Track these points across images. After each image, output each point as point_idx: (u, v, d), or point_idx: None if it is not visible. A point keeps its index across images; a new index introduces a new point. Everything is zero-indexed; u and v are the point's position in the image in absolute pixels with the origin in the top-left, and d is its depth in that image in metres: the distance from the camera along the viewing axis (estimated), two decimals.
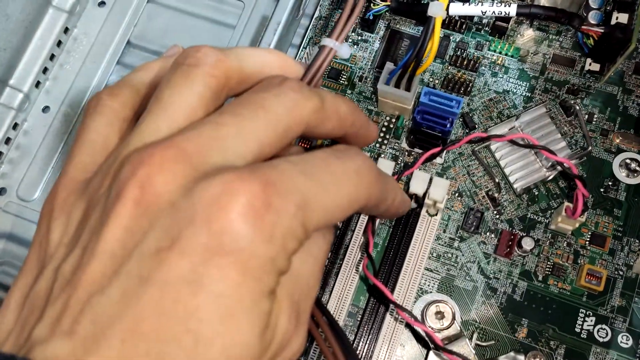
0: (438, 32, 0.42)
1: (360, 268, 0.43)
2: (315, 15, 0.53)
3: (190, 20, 0.56)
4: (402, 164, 0.48)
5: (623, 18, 0.44)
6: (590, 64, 0.48)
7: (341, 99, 0.29)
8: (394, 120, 0.49)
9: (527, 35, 0.51)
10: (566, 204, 0.44)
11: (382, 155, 0.49)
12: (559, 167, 0.45)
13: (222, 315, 0.20)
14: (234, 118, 0.24)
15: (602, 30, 0.45)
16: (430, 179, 0.43)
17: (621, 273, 0.44)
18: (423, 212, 0.45)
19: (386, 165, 0.44)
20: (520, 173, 0.46)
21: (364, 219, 0.45)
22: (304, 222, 0.22)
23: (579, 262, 0.45)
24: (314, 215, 0.23)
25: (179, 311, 0.20)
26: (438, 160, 0.48)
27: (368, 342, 0.42)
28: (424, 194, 0.44)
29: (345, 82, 0.51)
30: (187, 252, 0.20)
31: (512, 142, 0.44)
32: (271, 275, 0.22)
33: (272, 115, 0.25)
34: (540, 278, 0.45)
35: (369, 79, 0.51)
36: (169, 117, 0.25)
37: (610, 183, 0.46)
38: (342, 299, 0.43)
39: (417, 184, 0.44)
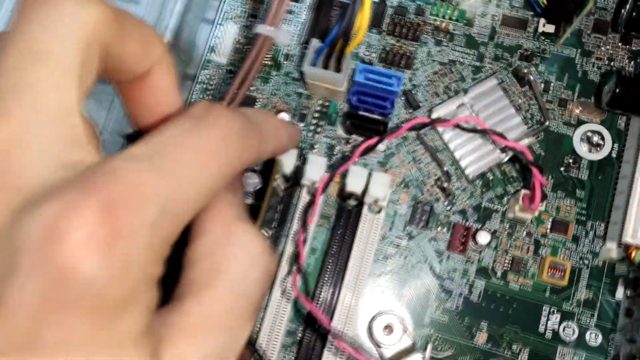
0: (368, 4, 0.36)
1: (290, 285, 0.37)
2: None
3: None
4: (340, 155, 0.42)
5: None
6: (544, 25, 0.43)
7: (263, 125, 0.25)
8: (327, 103, 0.43)
9: None
10: (523, 191, 0.39)
11: (316, 146, 0.42)
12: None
13: None
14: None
15: None
16: (369, 174, 0.38)
17: (586, 262, 0.40)
18: (365, 210, 0.40)
19: (318, 162, 0.38)
20: (471, 157, 0.41)
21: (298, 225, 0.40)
22: (167, 233, 0.19)
23: (540, 253, 0.40)
24: (178, 218, 0.19)
25: None
26: (380, 147, 0.42)
27: None
28: (364, 192, 0.38)
29: (270, 62, 0.44)
30: (18, 312, 0.16)
31: (459, 126, 0.38)
32: (135, 312, 0.18)
33: None
34: (498, 274, 0.40)
35: (296, 57, 0.44)
36: None
37: (571, 160, 0.41)
38: (277, 322, 0.37)
39: (355, 181, 0.38)
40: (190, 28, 0.43)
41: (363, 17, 0.36)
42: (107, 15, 0.21)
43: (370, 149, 0.39)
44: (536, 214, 0.39)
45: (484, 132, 0.38)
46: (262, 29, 0.34)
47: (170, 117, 0.24)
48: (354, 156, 0.38)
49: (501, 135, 0.36)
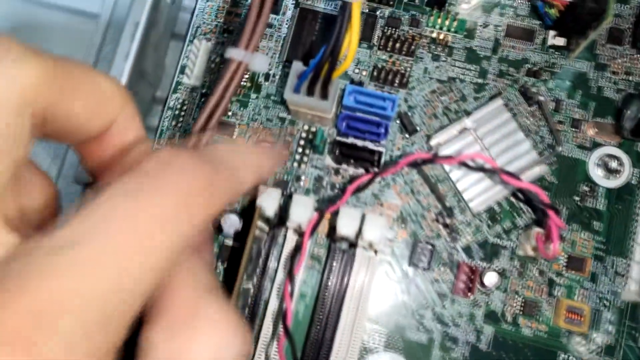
0: (358, 22, 0.31)
1: (275, 349, 0.33)
2: None
3: (39, 11, 0.42)
4: (329, 187, 0.38)
5: None
6: (554, 38, 0.38)
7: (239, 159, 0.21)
8: (313, 129, 0.39)
9: (472, 2, 0.39)
10: (535, 229, 0.34)
11: (303, 177, 0.38)
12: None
13: None
14: None
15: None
16: (363, 217, 0.33)
17: (606, 303, 0.36)
18: (359, 251, 0.35)
19: (304, 202, 0.34)
20: (477, 189, 0.37)
21: (283, 276, 0.35)
22: (105, 341, 0.15)
23: (555, 293, 0.36)
24: (120, 317, 0.15)
25: None
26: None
27: None
28: (357, 234, 0.34)
29: (248, 84, 0.39)
30: None
31: (464, 164, 0.34)
32: None
33: None
34: (509, 319, 0.36)
35: (277, 77, 0.39)
36: None
37: (586, 189, 0.37)
38: None
39: (346, 224, 0.33)
40: (157, 45, 0.38)
41: (352, 37, 0.32)
42: (45, 73, 0.17)
43: (363, 187, 0.34)
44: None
45: (493, 172, 0.33)
46: (235, 53, 0.29)
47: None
48: (344, 196, 0.33)
49: (513, 175, 0.32)
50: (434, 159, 0.33)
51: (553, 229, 0.30)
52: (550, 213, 0.30)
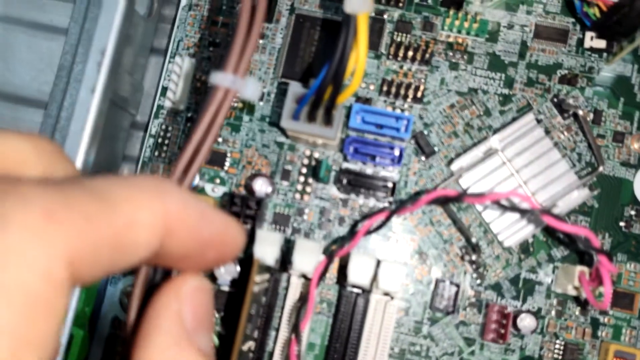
0: (365, 38, 0.26)
1: None
2: (183, 4, 0.35)
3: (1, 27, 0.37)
4: (336, 221, 0.33)
5: None
6: (592, 39, 0.33)
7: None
8: (316, 154, 0.34)
9: None
10: (578, 268, 0.30)
11: (307, 211, 0.33)
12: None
13: None
14: None
15: None
16: (377, 264, 0.29)
17: None
18: (373, 296, 0.31)
19: (308, 248, 0.29)
20: (507, 220, 0.32)
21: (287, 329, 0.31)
22: None
23: (600, 335, 0.32)
24: None
25: None
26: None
27: None
28: (372, 281, 0.29)
29: (240, 105, 0.34)
30: None
31: (499, 205, 0.29)
32: None
33: None
34: None
35: (273, 96, 0.34)
36: None
37: (632, 212, 0.32)
38: None
39: (359, 273, 0.29)
40: (132, 67, 0.33)
41: (359, 54, 0.27)
42: None
43: (376, 229, 0.30)
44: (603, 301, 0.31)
45: (532, 213, 0.28)
46: (221, 79, 0.24)
47: None
48: (354, 240, 0.29)
49: (556, 217, 0.27)
50: (462, 196, 0.28)
51: (605, 276, 0.26)
52: (602, 259, 0.26)
